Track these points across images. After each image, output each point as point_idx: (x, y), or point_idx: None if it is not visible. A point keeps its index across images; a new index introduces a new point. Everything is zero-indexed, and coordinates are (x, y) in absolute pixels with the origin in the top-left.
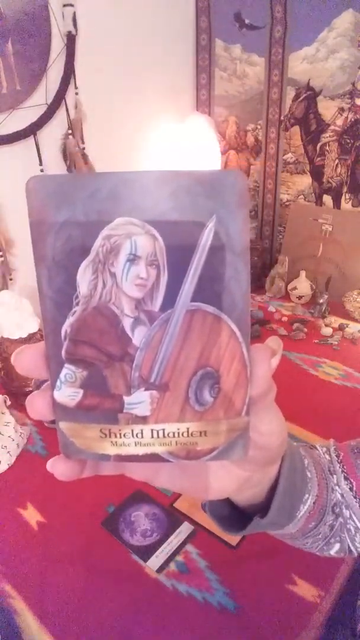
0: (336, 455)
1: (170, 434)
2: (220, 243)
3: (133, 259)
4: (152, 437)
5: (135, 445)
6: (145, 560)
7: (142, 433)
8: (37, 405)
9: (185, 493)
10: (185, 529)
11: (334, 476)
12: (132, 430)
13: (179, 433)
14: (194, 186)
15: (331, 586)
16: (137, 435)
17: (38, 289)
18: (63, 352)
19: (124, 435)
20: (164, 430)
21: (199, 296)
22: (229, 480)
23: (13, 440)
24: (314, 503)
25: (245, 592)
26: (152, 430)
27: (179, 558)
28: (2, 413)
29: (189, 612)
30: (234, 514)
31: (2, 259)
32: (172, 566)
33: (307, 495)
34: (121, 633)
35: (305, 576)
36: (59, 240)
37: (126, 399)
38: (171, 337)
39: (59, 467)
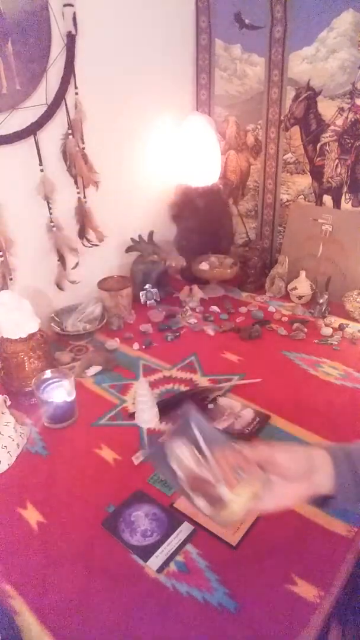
0: None
1: None
2: None
3: None
4: None
5: None
6: (145, 560)
7: None
8: None
9: None
10: (185, 529)
11: None
12: None
13: None
14: None
15: (331, 586)
16: None
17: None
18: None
19: None
20: None
21: None
22: None
23: (13, 440)
24: None
25: (245, 592)
26: None
27: (179, 558)
28: (2, 413)
29: (189, 612)
30: None
31: (2, 259)
32: (172, 566)
33: None
34: (121, 633)
35: (305, 576)
36: None
37: None
38: None
39: None
